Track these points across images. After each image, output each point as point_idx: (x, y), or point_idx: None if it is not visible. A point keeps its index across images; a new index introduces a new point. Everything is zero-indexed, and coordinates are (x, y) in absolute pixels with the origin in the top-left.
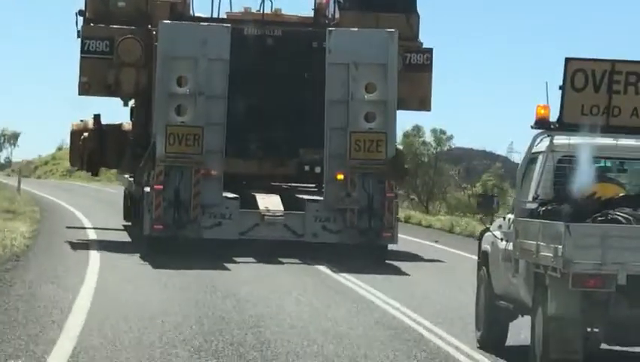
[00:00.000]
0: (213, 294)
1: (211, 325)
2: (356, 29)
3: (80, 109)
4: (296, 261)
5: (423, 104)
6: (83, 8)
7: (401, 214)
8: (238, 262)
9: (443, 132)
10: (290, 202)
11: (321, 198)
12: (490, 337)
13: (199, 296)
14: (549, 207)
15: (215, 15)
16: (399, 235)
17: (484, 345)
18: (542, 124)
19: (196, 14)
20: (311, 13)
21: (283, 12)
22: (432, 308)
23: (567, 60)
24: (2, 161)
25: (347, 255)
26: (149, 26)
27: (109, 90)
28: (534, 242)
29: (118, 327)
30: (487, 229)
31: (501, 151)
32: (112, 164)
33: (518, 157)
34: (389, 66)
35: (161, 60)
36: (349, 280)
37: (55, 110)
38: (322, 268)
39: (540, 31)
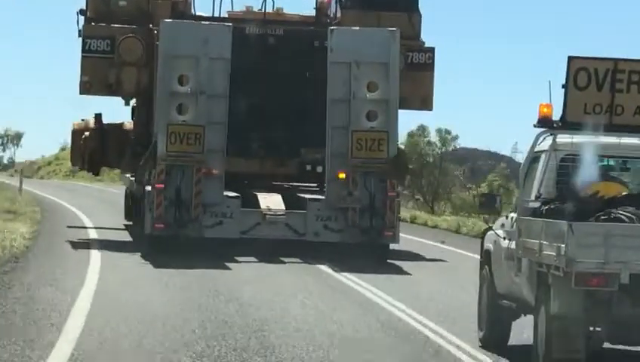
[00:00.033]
0: (215, 297)
1: (214, 329)
2: (358, 28)
3: (81, 109)
4: (298, 260)
5: (425, 103)
6: (84, 7)
7: (407, 214)
8: (240, 262)
9: (448, 132)
10: (291, 201)
11: (323, 197)
12: (493, 336)
13: (201, 298)
14: (552, 206)
15: (216, 14)
16: (405, 236)
17: (487, 345)
18: (545, 122)
19: (197, 13)
20: (313, 12)
21: (285, 11)
22: (436, 308)
23: (570, 59)
24: (5, 162)
25: (349, 254)
26: (151, 25)
27: (110, 90)
28: (537, 241)
29: (118, 331)
30: (490, 228)
31: (505, 151)
32: (113, 163)
33: (522, 158)
34: (391, 65)
35: (162, 59)
36: (351, 280)
37: (58, 110)
38: (324, 267)
39: (542, 29)
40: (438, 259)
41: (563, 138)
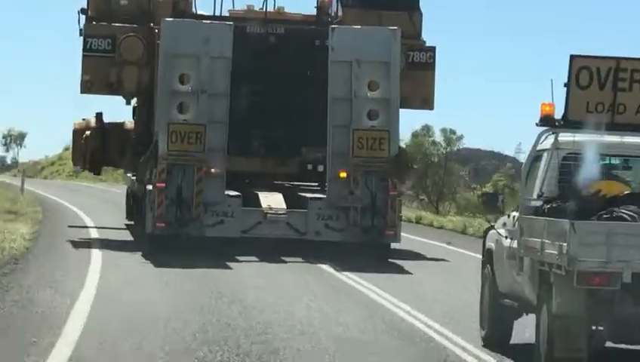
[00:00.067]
0: (217, 299)
1: (216, 332)
2: (359, 27)
3: (82, 108)
4: (299, 259)
5: (426, 103)
6: (85, 7)
7: (412, 215)
8: (241, 261)
9: (453, 132)
10: (292, 200)
11: (324, 196)
12: (495, 335)
13: (202, 299)
14: (554, 205)
15: (217, 13)
16: (410, 237)
17: (489, 344)
18: (547, 121)
19: (198, 12)
20: (314, 11)
21: (286, 10)
22: (438, 308)
23: (572, 57)
24: (9, 162)
25: (350, 253)
26: (152, 24)
27: (111, 89)
28: (539, 240)
29: (117, 335)
30: (492, 227)
31: (509, 151)
32: (114, 162)
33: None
34: (392, 64)
35: (163, 58)
36: (353, 280)
37: (62, 110)
38: (325, 266)
39: (544, 28)
40: (440, 259)
41: (565, 137)
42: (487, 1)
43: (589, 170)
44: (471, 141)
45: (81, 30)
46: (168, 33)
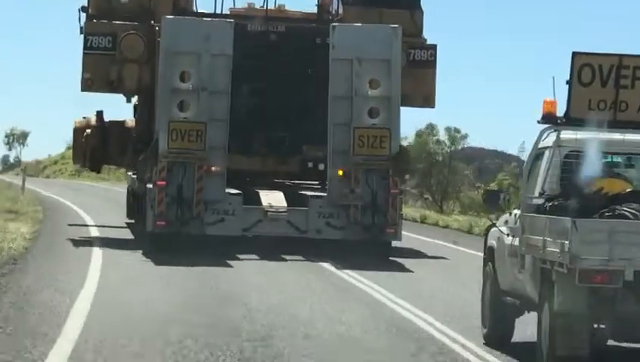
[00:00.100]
0: (217, 297)
1: (218, 336)
2: (360, 25)
3: (83, 106)
4: (300, 258)
5: (427, 101)
6: (86, 5)
7: (417, 214)
8: (241, 259)
9: (457, 130)
10: (293, 198)
11: (325, 194)
12: (496, 333)
13: (203, 298)
14: (556, 203)
15: (218, 11)
16: (415, 236)
17: (490, 342)
18: (548, 118)
19: (199, 10)
20: (314, 9)
21: (286, 8)
22: (439, 306)
23: (574, 55)
24: (12, 161)
25: (351, 251)
26: (152, 22)
27: (111, 87)
28: (541, 237)
29: (116, 339)
30: (494, 225)
31: (512, 150)
32: (114, 161)
33: None
34: (393, 62)
35: (163, 56)
36: (354, 278)
37: (65, 109)
38: (326, 265)
39: (546, 26)
40: (440, 257)
41: (567, 134)
42: None
43: (591, 167)
44: (474, 140)
45: (81, 28)
46: (169, 31)
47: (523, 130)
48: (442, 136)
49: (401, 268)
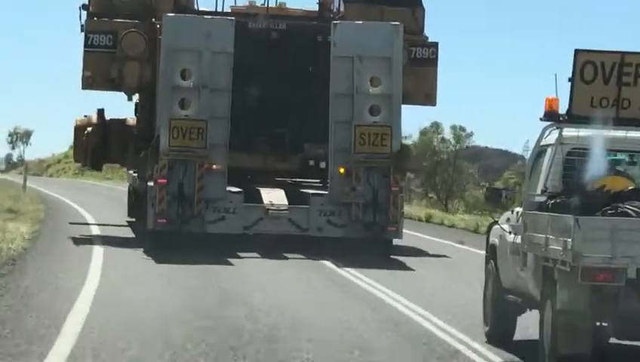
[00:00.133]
0: (218, 297)
1: (219, 337)
2: (361, 23)
3: (85, 105)
4: (301, 256)
5: (429, 99)
6: (87, 2)
7: (422, 213)
8: (242, 257)
9: (463, 129)
10: (294, 196)
11: (326, 192)
12: (498, 331)
13: (204, 298)
14: (558, 200)
15: (219, 8)
16: (420, 235)
17: (492, 340)
18: (551, 116)
19: (200, 8)
20: (316, 7)
21: (287, 6)
22: (441, 305)
23: (577, 52)
24: (15, 160)
25: (352, 249)
26: (153, 20)
27: (112, 84)
28: (543, 235)
29: (115, 342)
30: (496, 222)
31: (516, 149)
32: (115, 159)
33: None
34: (394, 60)
35: (164, 53)
36: (355, 276)
37: (69, 108)
38: (327, 262)
39: (548, 23)
40: (442, 255)
41: (569, 132)
42: None
43: (594, 165)
44: (478, 139)
45: (82, 26)
46: (170, 28)
47: (528, 129)
48: (447, 134)
49: (403, 266)
